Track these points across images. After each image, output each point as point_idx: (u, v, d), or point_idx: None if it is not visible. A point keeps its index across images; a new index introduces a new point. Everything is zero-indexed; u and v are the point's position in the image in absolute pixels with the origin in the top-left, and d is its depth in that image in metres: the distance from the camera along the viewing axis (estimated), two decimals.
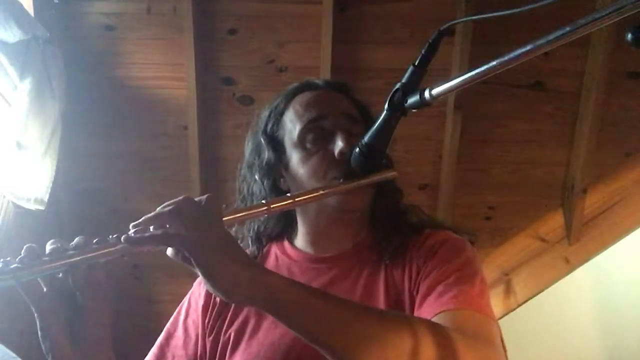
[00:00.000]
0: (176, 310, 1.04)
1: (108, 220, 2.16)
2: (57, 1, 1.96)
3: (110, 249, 0.71)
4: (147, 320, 2.14)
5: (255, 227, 1.05)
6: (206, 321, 0.98)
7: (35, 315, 0.73)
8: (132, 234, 0.71)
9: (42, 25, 1.79)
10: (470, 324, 0.77)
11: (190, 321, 1.01)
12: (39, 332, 0.74)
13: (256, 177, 1.01)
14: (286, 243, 1.04)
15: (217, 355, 0.95)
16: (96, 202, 2.17)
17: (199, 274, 0.69)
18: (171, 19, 2.00)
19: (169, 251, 0.71)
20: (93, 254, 0.71)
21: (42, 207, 1.78)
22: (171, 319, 1.04)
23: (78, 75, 2.02)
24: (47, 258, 0.70)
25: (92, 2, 2.00)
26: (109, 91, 2.07)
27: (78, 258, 0.70)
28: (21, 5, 1.74)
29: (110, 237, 0.71)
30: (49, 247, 0.72)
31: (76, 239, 0.73)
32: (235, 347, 0.94)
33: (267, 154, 1.00)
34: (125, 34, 2.02)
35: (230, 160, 2.13)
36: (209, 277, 0.68)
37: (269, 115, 1.03)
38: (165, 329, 1.03)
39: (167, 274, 2.16)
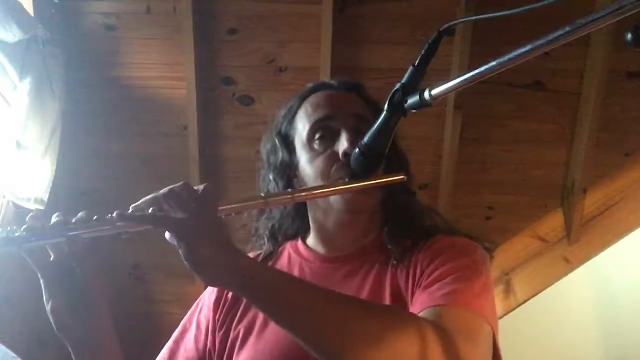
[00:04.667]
0: (194, 305, 1.06)
1: None
2: (57, 1, 1.96)
3: (108, 227, 0.76)
4: (147, 320, 2.14)
5: (270, 225, 1.06)
6: (217, 316, 1.00)
7: (41, 280, 0.79)
8: (127, 212, 0.75)
9: (42, 25, 1.79)
10: (454, 321, 0.76)
11: (202, 316, 1.02)
12: (44, 296, 0.79)
13: (271, 177, 1.03)
14: (300, 242, 1.05)
15: (227, 350, 0.96)
16: (96, 202, 2.17)
17: (181, 254, 0.71)
18: (171, 19, 2.00)
19: (167, 234, 0.73)
20: (91, 229, 0.76)
21: (42, 207, 1.78)
22: (188, 314, 1.06)
23: (78, 75, 2.02)
24: (48, 230, 0.76)
25: (92, 2, 2.00)
26: (109, 91, 2.07)
27: (77, 232, 0.76)
28: (21, 5, 1.74)
29: (109, 215, 0.76)
30: (53, 219, 0.77)
31: (79, 214, 0.78)
32: (243, 343, 0.94)
33: (280, 155, 1.02)
34: (125, 34, 2.02)
35: (230, 160, 2.13)
36: (187, 258, 0.70)
37: (284, 116, 1.04)
38: (182, 323, 1.05)
39: (167, 274, 2.16)
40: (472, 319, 0.78)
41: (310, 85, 1.06)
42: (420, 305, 0.81)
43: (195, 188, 0.76)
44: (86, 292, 0.80)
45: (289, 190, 0.87)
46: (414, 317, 0.76)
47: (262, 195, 0.83)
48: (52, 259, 0.79)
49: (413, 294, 0.88)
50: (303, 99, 1.03)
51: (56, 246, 0.78)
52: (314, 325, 0.71)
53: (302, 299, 0.72)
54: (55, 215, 0.77)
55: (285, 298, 0.72)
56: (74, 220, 0.77)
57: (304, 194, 0.87)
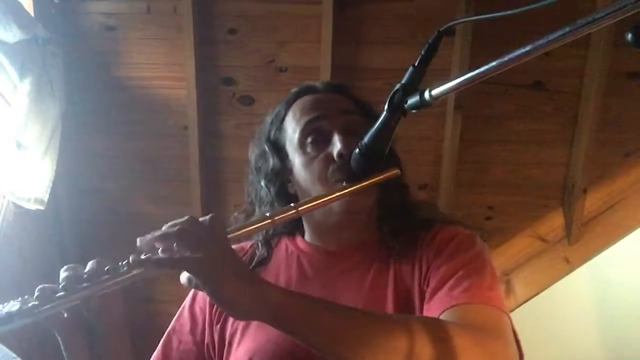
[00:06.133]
0: (188, 296, 1.05)
1: (108, 221, 2.16)
2: (57, 1, 1.96)
3: (122, 278, 0.73)
4: (148, 321, 2.14)
5: (264, 231, 1.05)
6: (214, 310, 0.99)
7: (59, 338, 0.77)
8: (141, 258, 0.72)
9: (42, 25, 1.79)
10: (480, 318, 0.77)
11: (197, 307, 1.02)
12: (64, 353, 0.78)
13: (262, 183, 1.02)
14: (298, 237, 1.06)
15: (226, 343, 0.96)
16: (96, 202, 2.17)
17: (207, 294, 0.70)
18: (171, 19, 2.00)
19: (183, 280, 0.73)
20: (105, 285, 0.73)
21: (42, 207, 1.78)
22: (181, 306, 1.05)
23: (78, 75, 2.02)
24: (62, 293, 0.73)
25: (92, 2, 2.00)
26: (109, 91, 2.07)
27: (91, 290, 0.73)
28: (21, 5, 1.74)
29: (121, 263, 0.73)
30: (62, 274, 0.75)
31: (89, 265, 0.75)
32: (242, 336, 0.94)
33: (271, 161, 1.01)
34: (125, 34, 2.02)
35: (230, 160, 2.13)
36: (214, 297, 0.70)
37: (271, 122, 1.04)
38: (176, 315, 1.04)
39: (167, 274, 2.16)
40: (495, 314, 0.80)
41: (294, 89, 1.06)
42: (439, 304, 0.81)
43: (201, 220, 0.74)
44: (107, 344, 0.80)
45: (292, 205, 0.87)
46: (440, 326, 0.75)
47: (268, 215, 0.83)
48: (65, 316, 0.77)
49: (420, 288, 0.89)
50: (289, 104, 1.03)
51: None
52: (344, 349, 0.71)
53: (330, 323, 0.72)
54: (64, 270, 0.75)
55: (313, 324, 0.72)
56: (85, 274, 0.74)
57: (307, 205, 0.87)
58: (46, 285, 0.74)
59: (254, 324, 0.94)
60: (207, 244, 0.71)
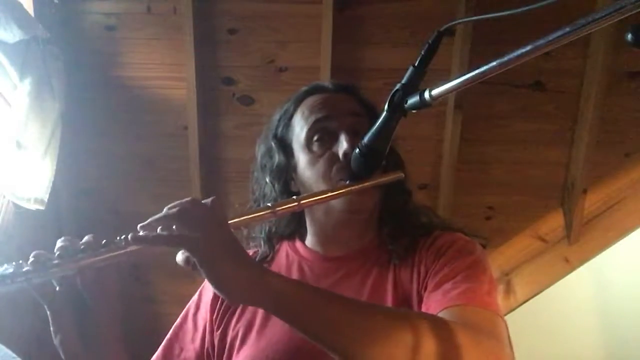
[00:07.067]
0: (188, 304, 1.05)
1: (108, 220, 2.16)
2: (57, 1, 1.96)
3: (118, 252, 0.72)
4: (147, 321, 2.14)
5: (267, 228, 1.06)
6: (214, 315, 0.99)
7: (48, 312, 0.76)
8: (140, 234, 0.71)
9: (42, 25, 1.79)
10: (476, 319, 0.77)
11: (199, 315, 1.02)
12: (51, 327, 0.77)
13: (267, 179, 1.03)
14: (298, 242, 1.06)
15: (226, 350, 0.96)
16: (96, 202, 2.17)
17: (203, 276, 0.69)
18: (171, 19, 2.00)
19: (179, 258, 0.72)
20: (101, 257, 0.72)
21: (42, 207, 1.78)
22: (182, 313, 1.05)
23: (78, 75, 2.02)
24: (57, 261, 0.72)
25: (92, 2, 2.00)
26: (109, 91, 2.07)
27: (86, 261, 0.72)
28: (21, 5, 1.74)
29: (118, 238, 0.72)
30: (59, 244, 0.74)
31: (85, 238, 0.75)
32: (243, 341, 0.94)
33: (277, 158, 1.02)
34: (125, 34, 2.02)
35: (230, 160, 2.13)
36: (211, 279, 0.69)
37: (279, 119, 1.05)
38: (176, 322, 1.04)
39: (167, 274, 2.17)
40: (491, 317, 0.80)
41: (304, 87, 1.06)
42: (436, 304, 0.81)
43: (203, 202, 0.74)
44: (97, 320, 0.79)
45: (294, 197, 0.87)
46: (442, 322, 0.75)
47: (269, 205, 0.83)
48: (57, 289, 0.76)
49: (419, 293, 0.89)
50: (298, 102, 1.03)
51: (63, 277, 0.76)
52: (345, 338, 0.70)
53: (332, 313, 0.71)
54: (60, 240, 0.75)
55: (313, 314, 0.70)
56: (81, 245, 0.73)
57: (309, 200, 0.87)
58: (41, 252, 0.73)
59: (256, 330, 0.94)
60: (207, 224, 0.70)
